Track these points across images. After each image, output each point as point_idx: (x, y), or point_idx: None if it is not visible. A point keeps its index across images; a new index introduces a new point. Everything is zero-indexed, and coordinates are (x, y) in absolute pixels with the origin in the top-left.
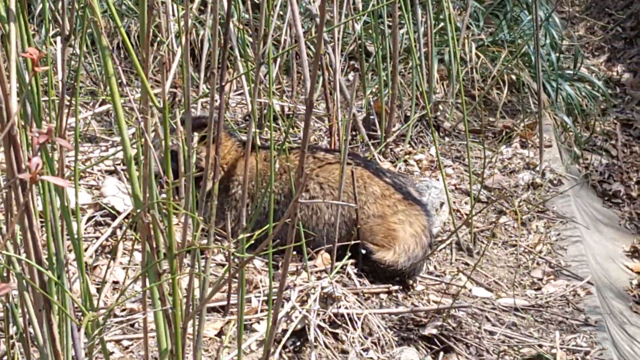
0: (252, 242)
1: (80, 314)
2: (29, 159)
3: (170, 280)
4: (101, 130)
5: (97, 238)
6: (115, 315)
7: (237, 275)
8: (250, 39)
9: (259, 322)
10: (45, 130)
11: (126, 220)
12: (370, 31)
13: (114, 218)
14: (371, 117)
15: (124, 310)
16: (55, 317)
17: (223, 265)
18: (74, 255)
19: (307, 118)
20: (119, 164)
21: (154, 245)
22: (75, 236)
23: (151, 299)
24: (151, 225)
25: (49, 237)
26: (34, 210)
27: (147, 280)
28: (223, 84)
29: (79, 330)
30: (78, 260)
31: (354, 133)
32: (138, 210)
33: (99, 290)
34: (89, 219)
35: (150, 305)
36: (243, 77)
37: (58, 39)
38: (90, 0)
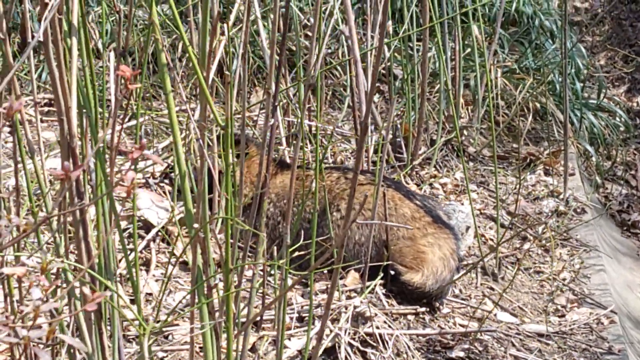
0: (290, 259)
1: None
2: (123, 173)
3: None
4: (132, 143)
5: (131, 250)
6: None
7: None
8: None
9: (289, 339)
10: (139, 145)
11: (159, 232)
12: (396, 55)
13: (147, 230)
14: (397, 139)
15: (158, 321)
16: (106, 327)
17: (249, 280)
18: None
19: (361, 141)
20: (149, 177)
21: (207, 260)
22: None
23: (199, 313)
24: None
25: (100, 247)
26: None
27: (196, 294)
28: (276, 104)
29: (128, 341)
30: (130, 273)
31: (380, 155)
32: (194, 226)
33: (132, 302)
34: (123, 231)
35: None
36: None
37: (111, 54)
38: (153, 18)
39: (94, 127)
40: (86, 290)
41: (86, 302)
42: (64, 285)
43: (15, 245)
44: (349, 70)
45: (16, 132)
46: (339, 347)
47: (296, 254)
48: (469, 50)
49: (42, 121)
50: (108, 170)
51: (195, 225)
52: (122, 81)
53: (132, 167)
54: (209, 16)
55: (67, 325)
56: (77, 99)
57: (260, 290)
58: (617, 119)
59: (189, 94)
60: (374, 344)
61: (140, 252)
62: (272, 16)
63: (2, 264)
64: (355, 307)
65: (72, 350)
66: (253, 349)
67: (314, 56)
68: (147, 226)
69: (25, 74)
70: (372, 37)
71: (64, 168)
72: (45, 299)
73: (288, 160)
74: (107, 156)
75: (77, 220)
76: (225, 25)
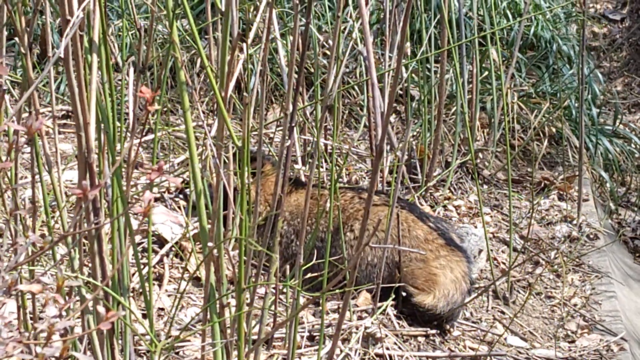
0: (302, 279)
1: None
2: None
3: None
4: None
5: (145, 265)
6: (160, 342)
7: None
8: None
9: (300, 358)
10: (157, 167)
11: (173, 248)
12: (414, 75)
13: (161, 245)
14: (413, 160)
15: (169, 337)
16: (118, 342)
17: (261, 298)
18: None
19: (376, 164)
20: (165, 192)
21: (220, 278)
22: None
23: (211, 330)
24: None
25: (115, 262)
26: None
27: (208, 312)
28: (293, 125)
29: (139, 355)
30: (143, 288)
31: (395, 175)
32: (209, 244)
33: (144, 316)
34: (137, 245)
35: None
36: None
37: (131, 70)
38: (174, 37)
39: (111, 143)
40: (100, 309)
41: (100, 321)
42: (78, 299)
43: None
44: (366, 90)
45: (34, 144)
46: None
47: (308, 275)
48: (486, 73)
49: (59, 132)
50: (124, 183)
51: (210, 244)
52: (142, 101)
53: (149, 187)
54: (229, 35)
55: (79, 339)
56: (96, 115)
57: (272, 309)
58: (633, 145)
59: (206, 110)
60: None
61: (154, 266)
62: (291, 38)
63: (18, 280)
64: (366, 328)
65: None
66: None
67: (332, 77)
68: (161, 241)
69: (44, 86)
70: (390, 58)
71: (81, 187)
72: (59, 315)
73: (303, 179)
74: (123, 169)
75: (92, 236)
76: (244, 43)
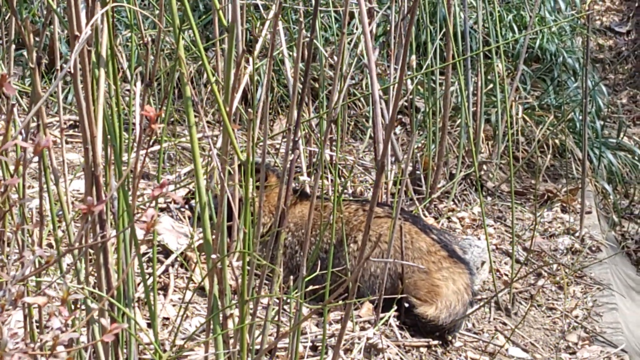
0: (305, 290)
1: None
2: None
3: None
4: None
5: (150, 275)
6: (164, 351)
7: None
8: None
9: None
10: (160, 184)
11: (178, 258)
12: (419, 87)
13: (166, 255)
14: (417, 172)
15: (173, 346)
16: (123, 351)
17: (264, 308)
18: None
19: (378, 179)
20: (171, 202)
21: (223, 290)
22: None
23: (214, 341)
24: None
25: (120, 273)
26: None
27: (211, 323)
28: (297, 138)
29: None
30: (148, 298)
31: (398, 187)
32: (212, 256)
33: (149, 326)
34: (142, 255)
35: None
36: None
37: (138, 82)
38: (180, 53)
39: (118, 157)
40: (104, 322)
41: (104, 333)
42: (83, 309)
43: None
44: (371, 102)
45: (42, 155)
46: None
47: (310, 287)
48: (491, 85)
49: (66, 142)
50: (130, 194)
51: (213, 256)
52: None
53: (154, 199)
54: (234, 49)
55: (84, 348)
56: (103, 128)
57: (275, 320)
58: (636, 158)
59: (213, 120)
60: None
61: (159, 276)
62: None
63: (24, 292)
64: (368, 339)
65: None
66: None
67: (336, 92)
68: (167, 251)
69: (52, 96)
70: (395, 70)
71: (87, 203)
72: (64, 327)
73: (308, 191)
74: (129, 181)
75: (98, 248)
76: (250, 56)
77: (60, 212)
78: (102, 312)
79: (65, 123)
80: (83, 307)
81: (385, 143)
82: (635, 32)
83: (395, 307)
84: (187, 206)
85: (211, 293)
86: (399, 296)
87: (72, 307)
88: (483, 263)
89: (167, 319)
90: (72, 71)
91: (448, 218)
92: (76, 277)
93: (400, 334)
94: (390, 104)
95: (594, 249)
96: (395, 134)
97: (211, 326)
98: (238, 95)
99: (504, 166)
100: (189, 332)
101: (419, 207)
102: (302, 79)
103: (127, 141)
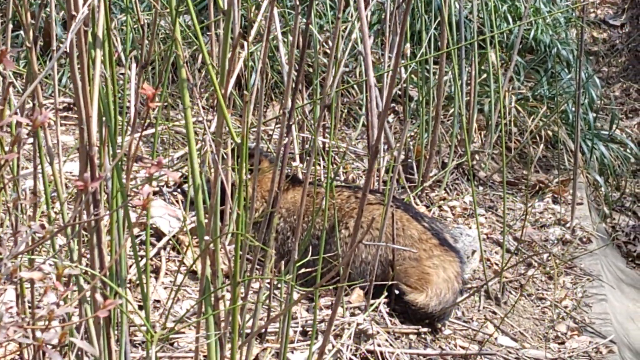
0: (296, 274)
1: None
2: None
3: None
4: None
5: (142, 257)
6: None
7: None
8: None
9: (292, 352)
10: (156, 161)
11: (170, 241)
12: (413, 76)
13: (158, 238)
14: (409, 160)
15: (164, 328)
16: (114, 332)
17: (255, 292)
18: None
19: (371, 164)
20: (164, 186)
21: (216, 272)
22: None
23: (206, 323)
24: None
25: (113, 254)
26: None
27: (203, 304)
28: (291, 123)
29: (134, 346)
30: (140, 280)
31: (391, 175)
32: (205, 238)
33: (141, 308)
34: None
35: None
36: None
37: (133, 65)
38: (176, 35)
39: (113, 137)
40: (98, 297)
41: (97, 309)
42: (76, 288)
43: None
44: (365, 90)
45: (36, 136)
46: None
47: (302, 270)
48: (484, 75)
49: (60, 124)
50: (124, 177)
51: (206, 238)
52: (143, 97)
53: (149, 180)
54: (230, 33)
55: (76, 328)
56: (98, 109)
57: (266, 303)
58: (628, 150)
59: (206, 105)
60: None
61: (151, 259)
62: (290, 37)
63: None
64: (358, 324)
65: (79, 353)
66: None
67: (331, 78)
68: (159, 234)
69: (47, 78)
70: (390, 58)
71: (82, 179)
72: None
73: (300, 176)
74: (123, 163)
75: (91, 227)
76: (245, 41)
77: (54, 194)
78: (95, 289)
79: (59, 105)
80: (75, 288)
81: (379, 129)
82: (629, 25)
83: (385, 294)
84: (179, 189)
85: (203, 275)
86: (390, 283)
87: (65, 285)
88: (474, 252)
89: (158, 301)
90: (69, 51)
91: (439, 206)
92: (69, 257)
93: (390, 320)
94: (385, 90)
95: (584, 240)
96: (388, 122)
97: (202, 308)
98: (233, 79)
99: (496, 156)
100: (180, 314)
101: (411, 195)
102: (297, 65)
103: (121, 124)
